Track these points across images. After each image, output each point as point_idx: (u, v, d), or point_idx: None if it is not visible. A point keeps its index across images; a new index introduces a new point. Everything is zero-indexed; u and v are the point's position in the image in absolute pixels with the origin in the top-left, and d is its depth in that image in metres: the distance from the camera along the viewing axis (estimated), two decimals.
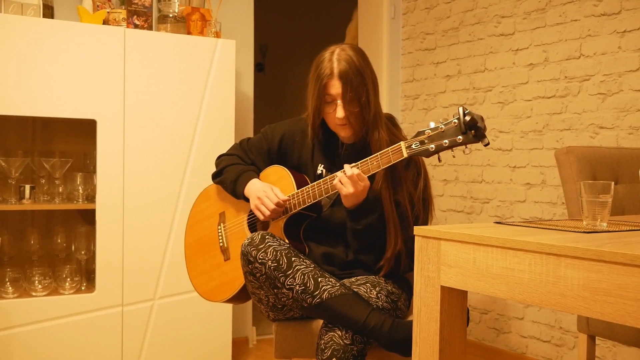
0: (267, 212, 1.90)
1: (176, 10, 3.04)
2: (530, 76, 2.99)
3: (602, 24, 2.68)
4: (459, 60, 3.39)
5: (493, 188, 3.20)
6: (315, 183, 1.87)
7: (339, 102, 1.85)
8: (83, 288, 2.83)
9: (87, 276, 2.89)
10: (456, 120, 1.65)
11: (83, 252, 2.86)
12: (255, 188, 1.96)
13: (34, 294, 2.70)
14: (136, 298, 2.83)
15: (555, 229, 1.39)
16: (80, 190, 2.85)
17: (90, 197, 2.85)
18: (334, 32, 4.65)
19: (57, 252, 2.89)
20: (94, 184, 2.82)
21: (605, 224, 1.39)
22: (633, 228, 1.45)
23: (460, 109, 1.64)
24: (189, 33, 3.03)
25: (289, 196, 1.92)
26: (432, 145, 1.69)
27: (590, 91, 2.73)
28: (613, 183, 1.40)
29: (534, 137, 2.98)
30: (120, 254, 2.79)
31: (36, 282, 2.72)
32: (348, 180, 1.77)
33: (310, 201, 1.88)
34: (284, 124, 2.07)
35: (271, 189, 1.92)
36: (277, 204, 1.89)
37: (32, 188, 2.78)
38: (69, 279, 2.78)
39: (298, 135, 2.03)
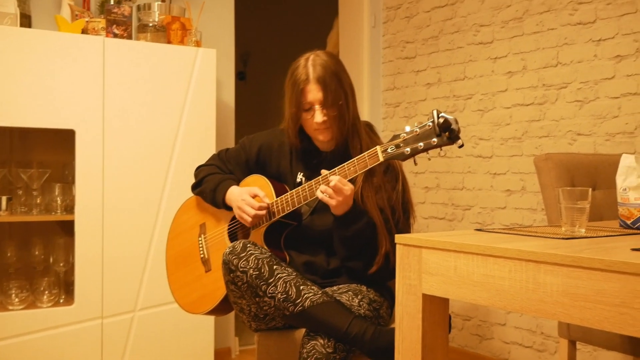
0: (249, 219, 1.90)
1: (156, 20, 3.03)
2: (509, 84, 3.02)
3: (578, 33, 2.71)
4: (439, 68, 3.42)
5: (474, 195, 3.21)
6: (294, 190, 1.87)
7: (317, 106, 1.85)
8: (61, 301, 2.79)
9: (65, 288, 2.85)
10: (430, 123, 1.66)
11: (62, 264, 2.82)
12: (234, 195, 1.95)
13: (10, 307, 2.65)
14: (116, 310, 2.80)
15: (535, 236, 1.40)
16: (59, 201, 2.82)
17: (69, 208, 2.82)
18: (315, 40, 4.65)
19: (34, 264, 2.84)
20: (72, 195, 2.79)
21: (583, 230, 1.41)
22: (611, 234, 1.46)
23: (434, 112, 1.65)
24: (169, 42, 3.02)
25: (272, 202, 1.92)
26: (408, 149, 1.70)
27: (567, 98, 2.76)
28: (591, 189, 1.41)
29: (513, 144, 3.00)
30: (100, 265, 2.76)
31: (13, 295, 2.67)
32: (333, 192, 1.76)
33: (290, 209, 1.88)
34: (262, 135, 2.07)
35: (248, 193, 1.92)
36: (259, 209, 1.89)
37: (9, 199, 2.74)
38: (47, 292, 2.74)
39: (276, 145, 2.03)
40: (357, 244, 1.86)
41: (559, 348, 2.79)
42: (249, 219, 1.90)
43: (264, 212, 1.90)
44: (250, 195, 1.92)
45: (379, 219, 1.86)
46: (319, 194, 1.78)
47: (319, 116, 1.85)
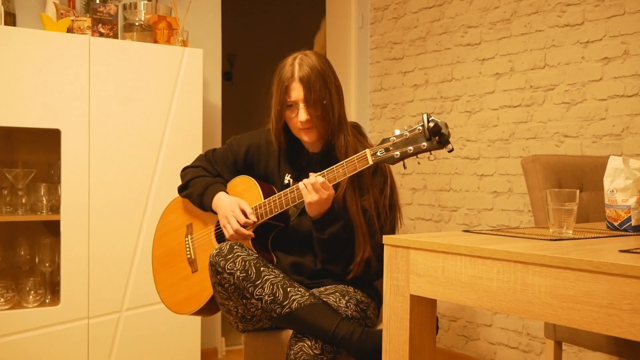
0: (231, 232, 1.89)
1: (142, 19, 3.01)
2: (497, 85, 3.03)
3: (566, 35, 2.73)
4: (426, 69, 3.42)
5: (461, 196, 3.22)
6: (282, 192, 1.86)
7: (301, 105, 1.85)
8: (47, 301, 2.77)
9: (51, 288, 2.83)
10: (420, 127, 1.66)
11: (47, 264, 2.80)
12: (223, 204, 1.94)
13: None
14: (102, 310, 2.77)
15: (523, 237, 1.41)
16: (44, 201, 2.79)
17: (55, 208, 2.80)
18: (302, 41, 4.65)
19: (20, 264, 2.82)
20: (58, 195, 2.77)
21: (571, 232, 1.41)
22: (598, 235, 1.47)
23: (425, 116, 1.65)
24: (155, 42, 3.00)
25: (256, 206, 1.91)
26: (397, 152, 1.69)
27: (555, 100, 2.78)
28: (578, 191, 1.42)
29: (500, 145, 3.01)
30: (86, 265, 2.74)
31: None
32: (312, 187, 1.76)
33: (277, 210, 1.87)
34: (249, 135, 2.06)
35: (238, 206, 1.91)
36: (245, 224, 1.89)
37: None
38: (32, 292, 2.71)
39: (264, 146, 2.02)
40: (333, 248, 1.86)
41: (544, 349, 2.80)
42: (231, 232, 1.89)
43: (246, 232, 1.89)
44: (239, 209, 1.91)
45: (361, 222, 1.85)
46: (300, 185, 1.78)
47: (302, 114, 1.85)
